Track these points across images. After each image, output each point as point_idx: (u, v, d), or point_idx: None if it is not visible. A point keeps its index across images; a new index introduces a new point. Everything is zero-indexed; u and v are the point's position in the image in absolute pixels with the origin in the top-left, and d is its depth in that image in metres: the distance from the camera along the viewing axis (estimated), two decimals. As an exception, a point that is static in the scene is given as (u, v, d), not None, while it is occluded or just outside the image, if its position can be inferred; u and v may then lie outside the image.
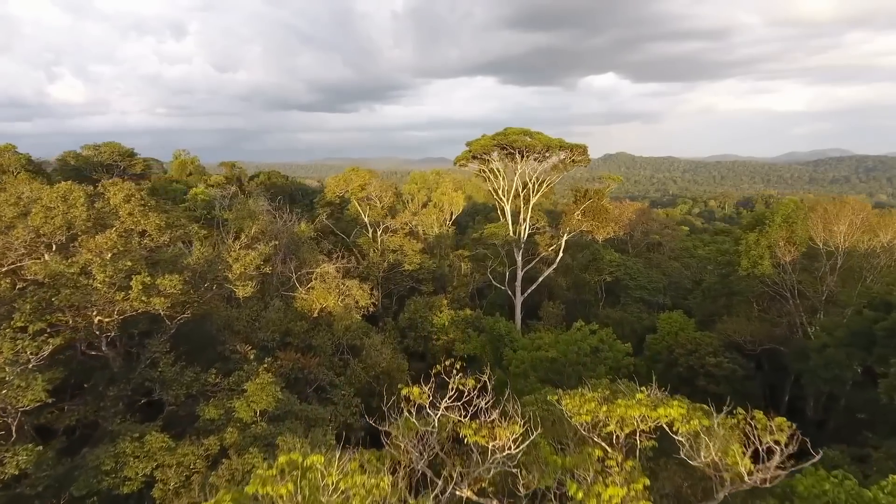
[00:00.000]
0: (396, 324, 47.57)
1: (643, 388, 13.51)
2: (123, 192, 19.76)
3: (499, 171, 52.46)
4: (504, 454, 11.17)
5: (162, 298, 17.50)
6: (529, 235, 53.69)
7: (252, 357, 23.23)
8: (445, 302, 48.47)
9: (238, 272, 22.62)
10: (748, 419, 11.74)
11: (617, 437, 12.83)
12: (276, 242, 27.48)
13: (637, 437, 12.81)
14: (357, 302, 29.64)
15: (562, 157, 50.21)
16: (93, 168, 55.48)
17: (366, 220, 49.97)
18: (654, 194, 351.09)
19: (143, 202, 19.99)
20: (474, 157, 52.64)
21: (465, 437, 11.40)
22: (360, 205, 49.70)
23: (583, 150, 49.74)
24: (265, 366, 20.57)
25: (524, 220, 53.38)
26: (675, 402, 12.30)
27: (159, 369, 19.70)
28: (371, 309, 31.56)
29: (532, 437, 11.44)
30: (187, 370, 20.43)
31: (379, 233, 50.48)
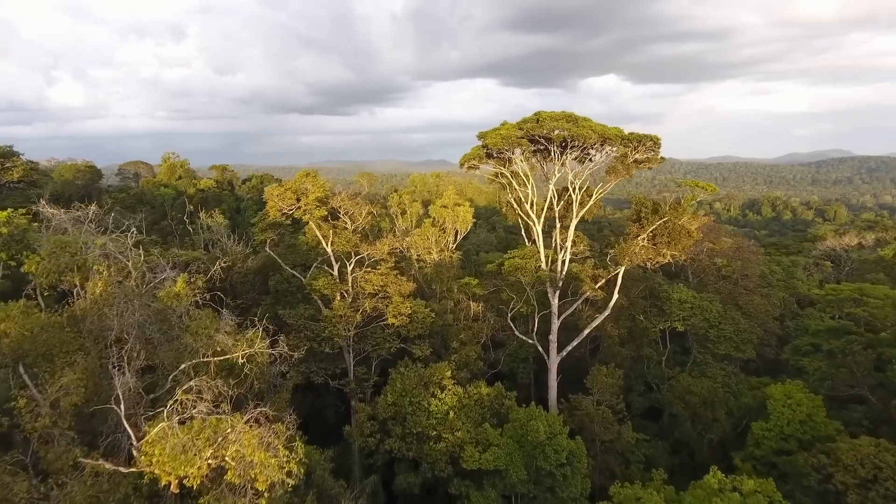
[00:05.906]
0: (374, 410, 31.00)
1: None
2: None
3: (526, 176, 35.86)
4: None
5: None
6: (569, 263, 37.14)
7: None
8: (449, 373, 31.95)
9: None
10: None
11: None
12: None
13: None
14: (253, 479, 13.01)
15: (622, 153, 33.60)
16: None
17: (328, 250, 33.24)
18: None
19: None
20: (489, 156, 36.09)
21: None
22: (319, 228, 32.95)
23: (653, 142, 33.19)
24: None
25: (562, 245, 36.82)
26: None
27: None
28: (289, 487, 14.87)
29: None
30: None
31: (350, 268, 33.82)
